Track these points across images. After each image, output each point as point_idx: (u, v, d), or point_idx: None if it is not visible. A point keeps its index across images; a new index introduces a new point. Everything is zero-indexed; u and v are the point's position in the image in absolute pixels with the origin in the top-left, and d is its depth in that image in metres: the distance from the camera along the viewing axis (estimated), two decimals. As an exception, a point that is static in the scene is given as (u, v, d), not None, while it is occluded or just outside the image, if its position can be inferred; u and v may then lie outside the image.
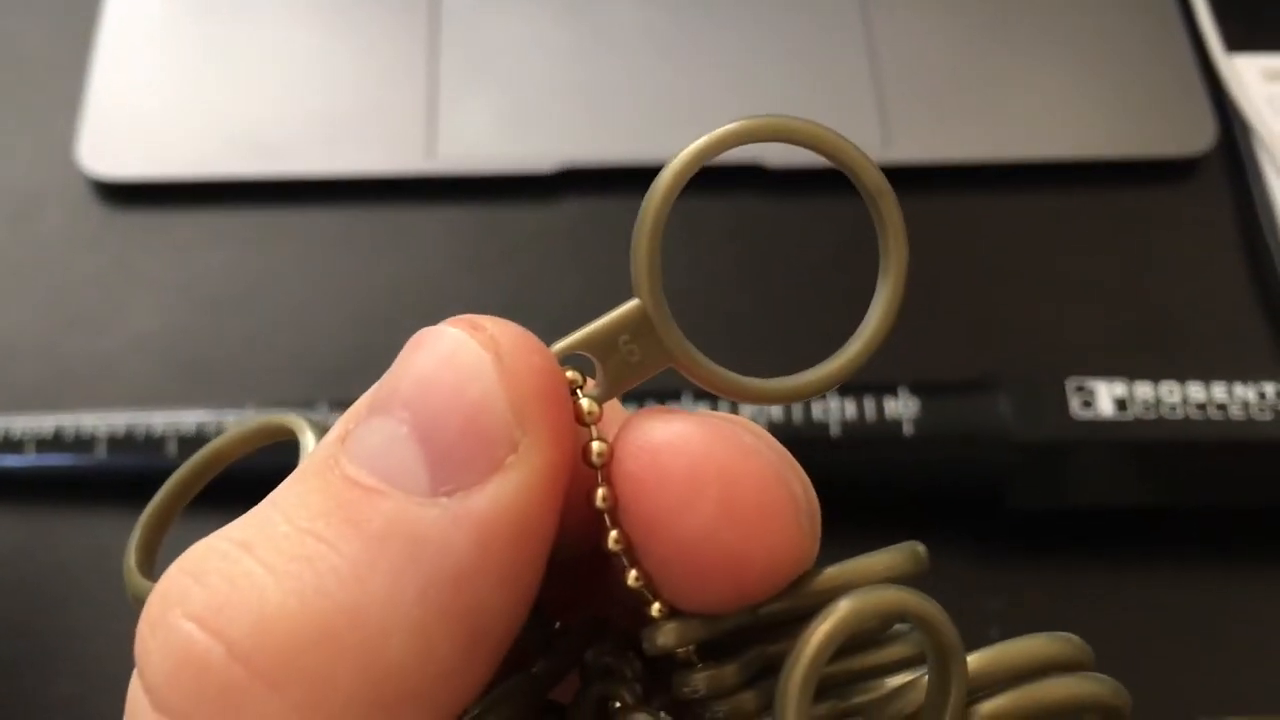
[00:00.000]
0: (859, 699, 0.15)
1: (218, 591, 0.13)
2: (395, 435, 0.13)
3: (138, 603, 0.16)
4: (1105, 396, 0.34)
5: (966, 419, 0.35)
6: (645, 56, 0.45)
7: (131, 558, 0.17)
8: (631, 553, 0.15)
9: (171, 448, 0.36)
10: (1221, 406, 0.34)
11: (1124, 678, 0.37)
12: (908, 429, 0.34)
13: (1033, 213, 0.43)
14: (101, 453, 0.36)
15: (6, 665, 0.35)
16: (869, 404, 0.35)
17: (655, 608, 0.15)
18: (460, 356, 0.14)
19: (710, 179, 0.42)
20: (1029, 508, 0.35)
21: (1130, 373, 0.35)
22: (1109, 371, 0.35)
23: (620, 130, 0.43)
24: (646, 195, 0.15)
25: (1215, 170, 0.44)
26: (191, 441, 0.35)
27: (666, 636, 0.15)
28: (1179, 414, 0.34)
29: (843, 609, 0.13)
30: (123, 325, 0.40)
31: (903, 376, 0.36)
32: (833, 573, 0.15)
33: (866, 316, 0.15)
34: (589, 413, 0.15)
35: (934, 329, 0.40)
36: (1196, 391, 0.34)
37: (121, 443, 0.36)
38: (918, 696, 0.14)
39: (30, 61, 0.46)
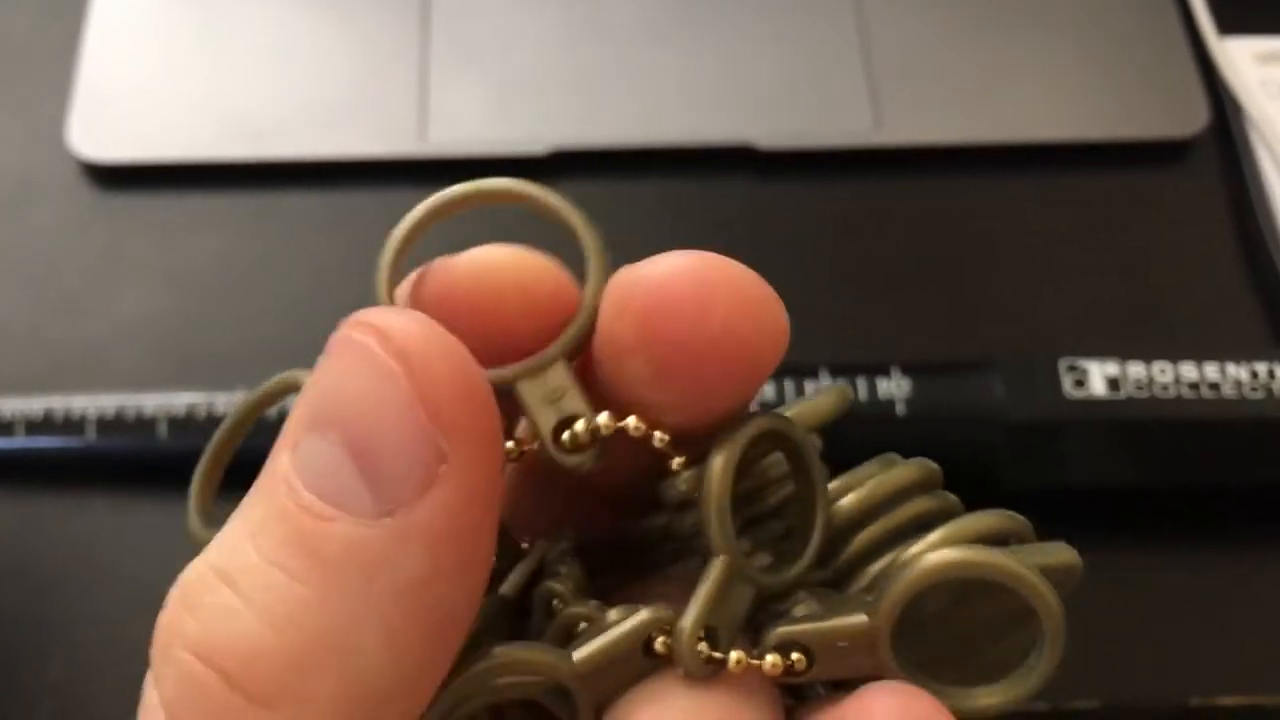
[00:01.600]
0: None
1: (208, 625, 0.14)
2: (333, 458, 0.14)
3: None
4: (1098, 376, 0.34)
5: (959, 399, 0.35)
6: (636, 39, 0.45)
7: (193, 517, 0.18)
8: (652, 421, 0.16)
9: (162, 430, 0.36)
10: (1214, 386, 0.34)
11: (1119, 658, 0.37)
12: (900, 409, 0.34)
13: (1025, 195, 0.43)
14: (91, 435, 0.36)
15: (-3, 648, 0.35)
16: (862, 385, 0.35)
17: (676, 461, 0.16)
18: (373, 371, 0.14)
19: (701, 161, 0.43)
20: (1022, 488, 0.35)
21: (1123, 353, 0.35)
22: (1102, 352, 0.35)
23: (611, 113, 0.43)
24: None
25: (1207, 152, 0.44)
26: (181, 423, 0.35)
27: (689, 484, 0.16)
28: (1171, 393, 0.34)
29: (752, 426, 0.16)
30: (113, 308, 0.40)
31: (895, 357, 0.36)
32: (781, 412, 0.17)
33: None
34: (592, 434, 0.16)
35: (926, 310, 0.40)
36: (1189, 371, 0.34)
37: (111, 425, 0.36)
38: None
39: (20, 44, 0.45)
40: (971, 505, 0.18)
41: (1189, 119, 0.44)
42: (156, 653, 0.15)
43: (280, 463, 0.15)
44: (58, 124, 0.43)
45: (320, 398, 0.15)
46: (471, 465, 0.14)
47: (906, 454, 0.31)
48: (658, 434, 0.16)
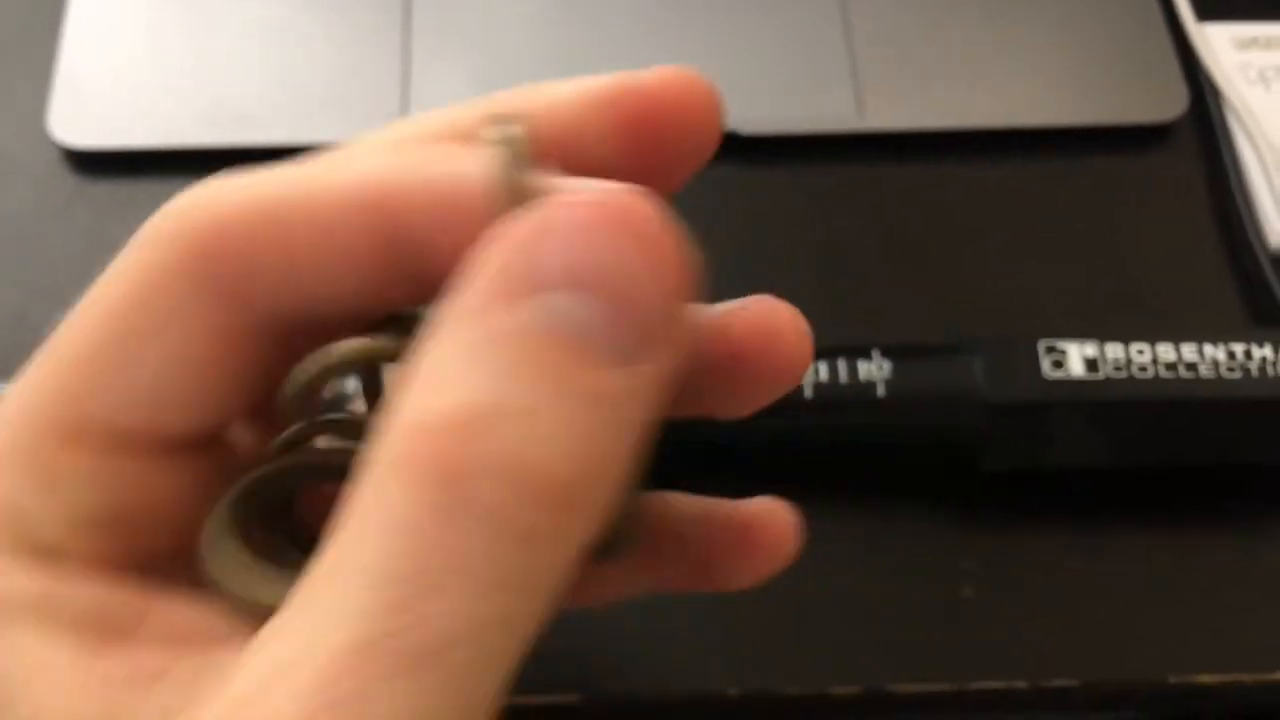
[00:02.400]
0: None
1: (505, 456, 0.16)
2: (589, 315, 0.16)
3: None
4: (1076, 357, 0.34)
5: (939, 381, 0.35)
6: (619, 24, 0.45)
7: None
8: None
9: (144, 415, 0.35)
10: (1191, 366, 0.34)
11: (1098, 637, 0.37)
12: (880, 391, 0.34)
13: (1006, 179, 0.43)
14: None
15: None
16: (842, 366, 0.35)
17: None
18: (633, 243, 0.17)
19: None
20: (1002, 468, 0.35)
21: (1101, 334, 0.35)
22: (1080, 333, 0.35)
23: (594, 98, 0.43)
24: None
25: (1187, 137, 0.44)
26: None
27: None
28: (1149, 374, 0.34)
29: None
30: (95, 295, 0.40)
31: (876, 340, 0.36)
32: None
33: None
34: None
35: (907, 293, 0.40)
36: (1166, 351, 0.34)
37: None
38: None
39: (0, 30, 0.45)
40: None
41: (1168, 104, 0.44)
42: (447, 481, 0.16)
43: (506, 320, 0.17)
44: (38, 110, 0.43)
45: (567, 263, 0.17)
46: (690, 321, 0.18)
47: (888, 437, 0.31)
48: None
